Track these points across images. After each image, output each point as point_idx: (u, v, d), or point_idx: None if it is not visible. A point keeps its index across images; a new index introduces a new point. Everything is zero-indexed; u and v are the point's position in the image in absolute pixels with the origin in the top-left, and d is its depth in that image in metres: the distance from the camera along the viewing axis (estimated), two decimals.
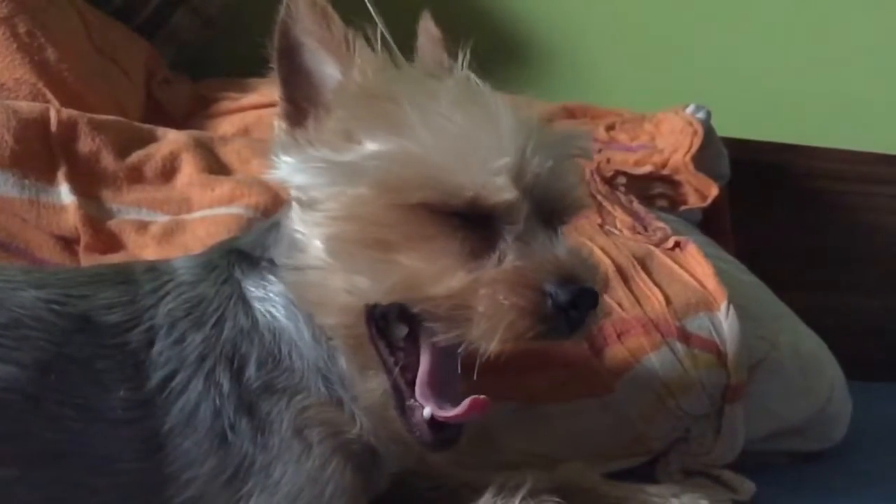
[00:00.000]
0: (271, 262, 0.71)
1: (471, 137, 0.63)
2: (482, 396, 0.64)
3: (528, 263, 0.62)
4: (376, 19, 0.70)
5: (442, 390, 0.66)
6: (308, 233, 0.67)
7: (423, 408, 0.65)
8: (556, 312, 0.61)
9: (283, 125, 0.69)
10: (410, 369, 0.66)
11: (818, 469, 1.02)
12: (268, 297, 0.69)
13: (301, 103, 0.69)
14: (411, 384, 0.66)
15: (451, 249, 0.62)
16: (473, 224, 0.63)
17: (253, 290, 0.70)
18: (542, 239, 0.64)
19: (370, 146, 0.65)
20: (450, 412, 0.64)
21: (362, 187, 0.64)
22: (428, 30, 0.75)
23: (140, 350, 0.66)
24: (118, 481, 0.64)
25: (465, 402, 0.63)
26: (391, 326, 0.66)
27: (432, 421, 0.65)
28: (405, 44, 0.72)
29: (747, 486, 0.90)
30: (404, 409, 0.66)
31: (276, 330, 0.68)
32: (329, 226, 0.66)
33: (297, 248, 0.68)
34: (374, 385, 0.67)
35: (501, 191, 0.62)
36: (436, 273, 0.62)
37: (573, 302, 0.61)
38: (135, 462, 0.64)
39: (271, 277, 0.70)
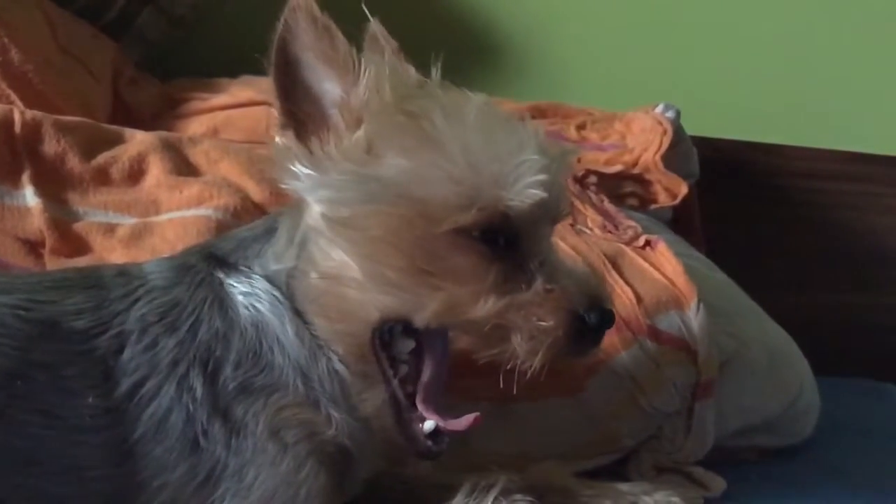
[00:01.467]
0: (249, 269, 0.71)
1: (506, 155, 0.66)
2: (477, 413, 0.68)
3: (557, 286, 0.66)
4: (379, 35, 0.71)
5: (438, 402, 0.69)
6: (336, 247, 0.67)
7: (423, 419, 0.68)
8: (585, 332, 0.67)
9: (292, 137, 0.68)
10: (410, 382, 0.68)
11: (787, 464, 1.03)
12: (253, 293, 0.69)
13: (301, 117, 0.69)
14: (410, 396, 0.68)
15: (486, 273, 0.65)
16: (503, 247, 0.66)
17: (237, 285, 0.69)
18: (562, 260, 0.70)
19: (404, 163, 0.66)
20: (456, 426, 0.67)
21: (402, 208, 0.65)
22: (378, 38, 0.74)
23: (109, 356, 0.65)
24: (88, 489, 0.64)
25: (469, 417, 0.68)
26: (395, 340, 0.68)
27: (432, 432, 0.68)
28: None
29: (718, 483, 0.91)
30: (401, 420, 0.68)
31: (259, 324, 0.68)
32: (366, 245, 0.66)
33: (316, 257, 0.68)
34: (375, 394, 0.68)
35: (539, 206, 0.67)
36: (472, 297, 0.65)
37: (601, 323, 0.67)
38: (104, 469, 0.64)
39: (255, 276, 0.70)
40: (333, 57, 0.68)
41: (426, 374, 0.69)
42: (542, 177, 0.66)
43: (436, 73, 0.70)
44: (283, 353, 0.68)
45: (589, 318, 0.67)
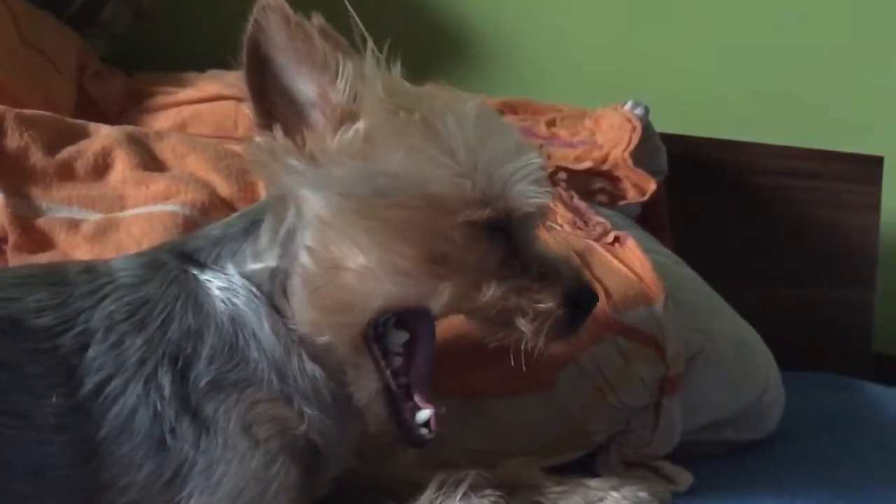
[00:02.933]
0: (222, 268, 0.70)
1: (510, 155, 0.70)
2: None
3: (550, 269, 0.71)
4: (363, 32, 0.70)
5: (428, 392, 0.71)
6: (345, 238, 0.67)
7: (417, 409, 0.70)
8: (577, 312, 0.71)
9: (281, 134, 0.68)
10: (403, 373, 0.70)
11: (753, 458, 1.04)
12: (230, 287, 0.69)
13: (277, 116, 0.69)
14: (403, 387, 0.70)
15: (490, 262, 0.69)
16: (501, 237, 0.70)
17: (213, 280, 0.69)
18: (544, 244, 0.74)
19: (411, 159, 0.67)
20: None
21: (416, 201, 0.67)
22: (325, 33, 0.73)
23: (72, 354, 0.64)
24: (52, 488, 0.63)
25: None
26: (388, 332, 0.69)
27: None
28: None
29: (685, 477, 0.91)
30: (396, 409, 0.70)
31: (236, 318, 0.68)
32: (377, 235, 0.67)
33: (315, 249, 0.68)
34: (368, 384, 0.69)
35: (540, 198, 0.71)
36: (479, 284, 0.69)
37: (590, 302, 0.73)
38: (69, 469, 0.63)
39: (230, 271, 0.70)
40: (308, 55, 0.68)
41: (418, 365, 0.71)
42: (542, 173, 0.71)
43: (395, 67, 0.70)
44: (259, 348, 0.68)
45: (580, 297, 0.72)
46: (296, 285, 0.69)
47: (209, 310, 0.68)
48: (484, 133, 0.69)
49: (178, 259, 0.71)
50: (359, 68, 0.68)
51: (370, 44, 0.70)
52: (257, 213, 0.73)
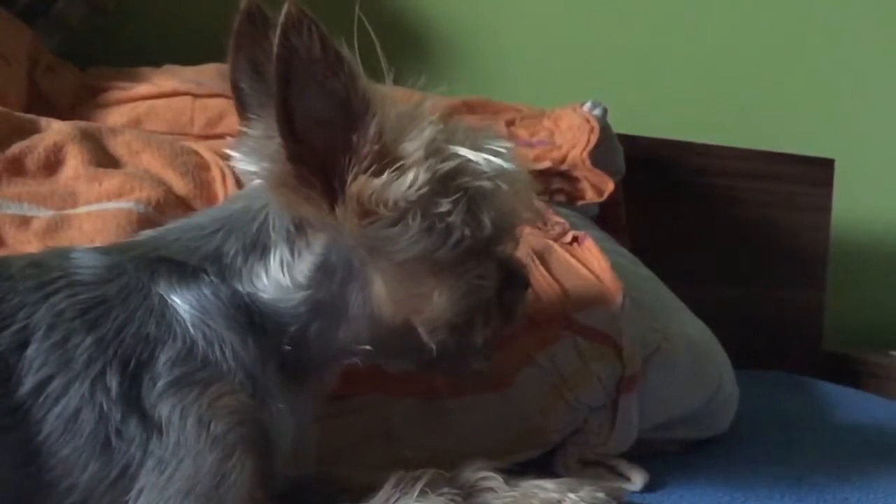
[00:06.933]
0: (221, 280, 0.69)
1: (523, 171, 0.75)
2: None
3: (512, 262, 0.80)
4: (379, 50, 0.67)
5: None
6: (418, 285, 0.71)
7: None
8: None
9: (370, 179, 0.65)
10: None
11: (707, 456, 1.05)
12: (202, 315, 0.67)
13: (315, 153, 0.64)
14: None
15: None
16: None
17: (182, 304, 0.67)
18: None
19: (460, 202, 0.70)
20: None
21: (470, 242, 0.70)
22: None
23: (11, 352, 0.62)
24: None
25: None
26: None
27: None
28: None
29: (641, 475, 0.92)
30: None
31: (213, 338, 0.66)
32: (448, 276, 0.71)
33: (392, 291, 0.70)
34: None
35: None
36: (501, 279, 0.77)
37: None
38: (9, 471, 0.61)
39: (211, 290, 0.68)
40: (347, 92, 0.63)
41: None
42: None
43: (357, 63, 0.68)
44: (237, 359, 0.67)
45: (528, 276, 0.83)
46: (356, 316, 0.71)
47: (176, 327, 0.66)
48: (500, 166, 0.71)
49: (147, 272, 0.68)
50: (393, 107, 0.66)
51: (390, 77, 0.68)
52: (253, 235, 0.70)
